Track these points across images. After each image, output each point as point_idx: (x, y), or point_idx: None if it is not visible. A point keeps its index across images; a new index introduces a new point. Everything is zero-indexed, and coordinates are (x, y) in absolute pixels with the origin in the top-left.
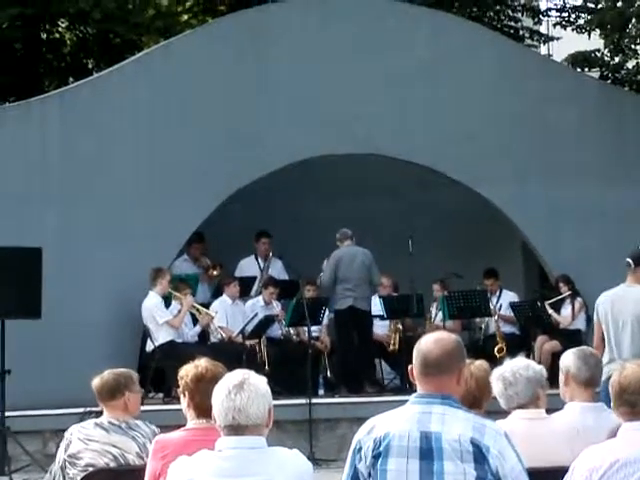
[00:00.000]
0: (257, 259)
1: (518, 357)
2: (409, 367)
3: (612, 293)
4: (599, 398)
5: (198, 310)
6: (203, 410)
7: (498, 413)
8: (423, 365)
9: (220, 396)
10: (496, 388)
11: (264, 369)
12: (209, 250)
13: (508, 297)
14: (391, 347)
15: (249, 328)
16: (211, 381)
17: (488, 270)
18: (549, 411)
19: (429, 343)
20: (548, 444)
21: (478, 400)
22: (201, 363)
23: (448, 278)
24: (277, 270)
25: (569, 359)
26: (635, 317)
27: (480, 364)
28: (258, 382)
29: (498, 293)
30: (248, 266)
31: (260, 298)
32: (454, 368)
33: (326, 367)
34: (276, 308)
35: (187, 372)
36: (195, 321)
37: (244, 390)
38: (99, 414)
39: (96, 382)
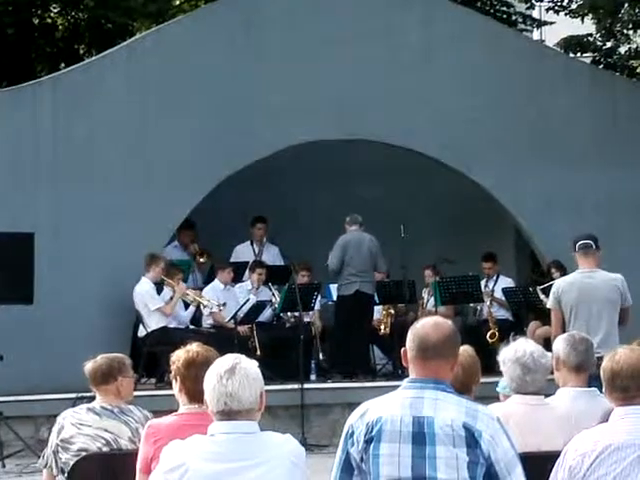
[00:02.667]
0: (252, 245)
1: (525, 340)
2: (402, 350)
3: (575, 280)
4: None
5: (189, 296)
6: (195, 395)
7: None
8: (422, 349)
9: (212, 382)
10: (511, 372)
11: (256, 354)
12: (201, 237)
13: (504, 283)
14: (382, 331)
15: (241, 314)
16: (202, 366)
17: (487, 254)
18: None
19: (427, 327)
20: (545, 429)
21: (466, 386)
22: (192, 348)
23: (440, 263)
24: (272, 255)
25: (559, 345)
26: (609, 303)
27: (465, 350)
28: (249, 366)
29: (495, 278)
30: (243, 252)
31: (248, 282)
32: (451, 353)
33: (318, 352)
34: (267, 291)
35: (178, 357)
36: (187, 304)
37: (235, 375)
38: (92, 399)
39: (89, 367)
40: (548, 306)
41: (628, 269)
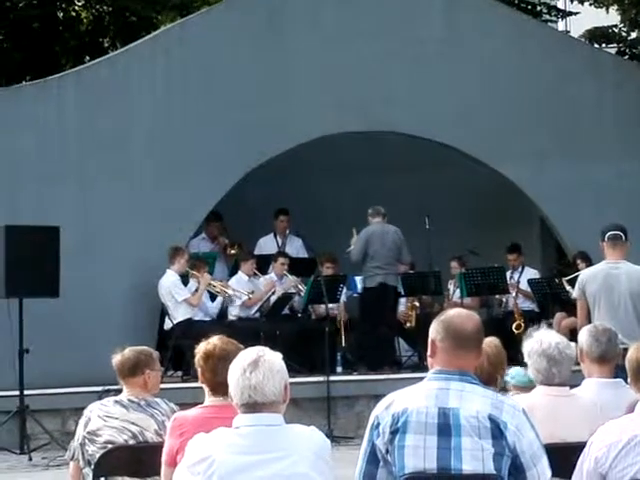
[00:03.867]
0: (276, 237)
1: (548, 331)
2: (430, 339)
3: (600, 270)
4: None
5: (215, 287)
6: (214, 387)
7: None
8: (458, 338)
9: (235, 375)
10: (537, 364)
11: (281, 347)
12: (228, 229)
13: (529, 274)
14: (408, 324)
15: (266, 306)
16: (220, 358)
17: (512, 245)
18: None
19: (463, 317)
20: (570, 421)
21: (492, 377)
22: (212, 340)
23: (465, 255)
24: (295, 247)
25: (582, 336)
26: (632, 294)
27: (491, 341)
28: (273, 359)
29: (520, 269)
30: (267, 244)
31: (273, 274)
32: (480, 344)
33: (343, 342)
34: (290, 279)
35: (199, 349)
36: (213, 296)
37: (259, 368)
38: (117, 392)
39: (117, 359)
40: (574, 297)
41: None
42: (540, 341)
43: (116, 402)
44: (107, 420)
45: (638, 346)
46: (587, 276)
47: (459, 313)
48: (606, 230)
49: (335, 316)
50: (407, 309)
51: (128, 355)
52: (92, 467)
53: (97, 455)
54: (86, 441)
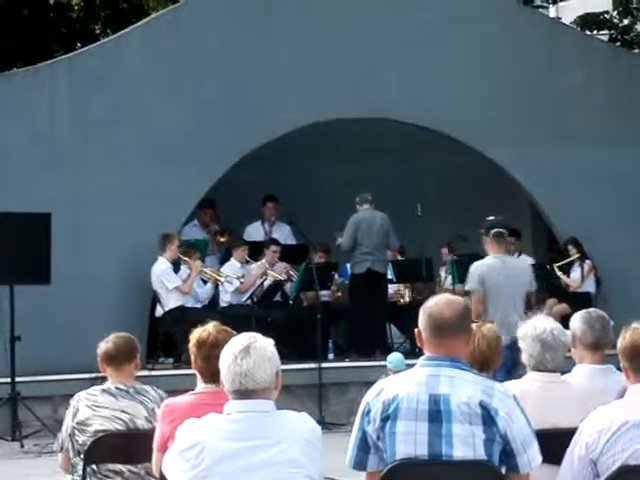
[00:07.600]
0: (263, 224)
1: (545, 317)
2: (416, 330)
3: (495, 264)
4: (605, 360)
5: (207, 274)
6: (206, 374)
7: None
8: (437, 327)
9: (227, 361)
10: (531, 348)
11: (273, 333)
12: (220, 216)
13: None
14: (402, 301)
15: (258, 293)
16: (213, 346)
17: (511, 230)
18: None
19: (441, 305)
20: (561, 407)
21: (488, 362)
22: (207, 327)
23: (453, 241)
24: (283, 234)
25: (575, 322)
26: (521, 286)
27: (491, 327)
28: (264, 345)
29: (517, 255)
30: (254, 231)
31: (264, 260)
32: (465, 329)
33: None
34: (281, 265)
35: (193, 336)
36: (204, 282)
37: (250, 354)
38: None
39: (107, 347)
40: (468, 287)
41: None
42: (535, 326)
43: (104, 391)
44: (96, 409)
45: (633, 332)
46: (486, 268)
47: (437, 301)
48: (491, 226)
49: (328, 303)
50: (399, 288)
51: (120, 342)
52: (82, 456)
53: (88, 443)
54: (75, 431)
